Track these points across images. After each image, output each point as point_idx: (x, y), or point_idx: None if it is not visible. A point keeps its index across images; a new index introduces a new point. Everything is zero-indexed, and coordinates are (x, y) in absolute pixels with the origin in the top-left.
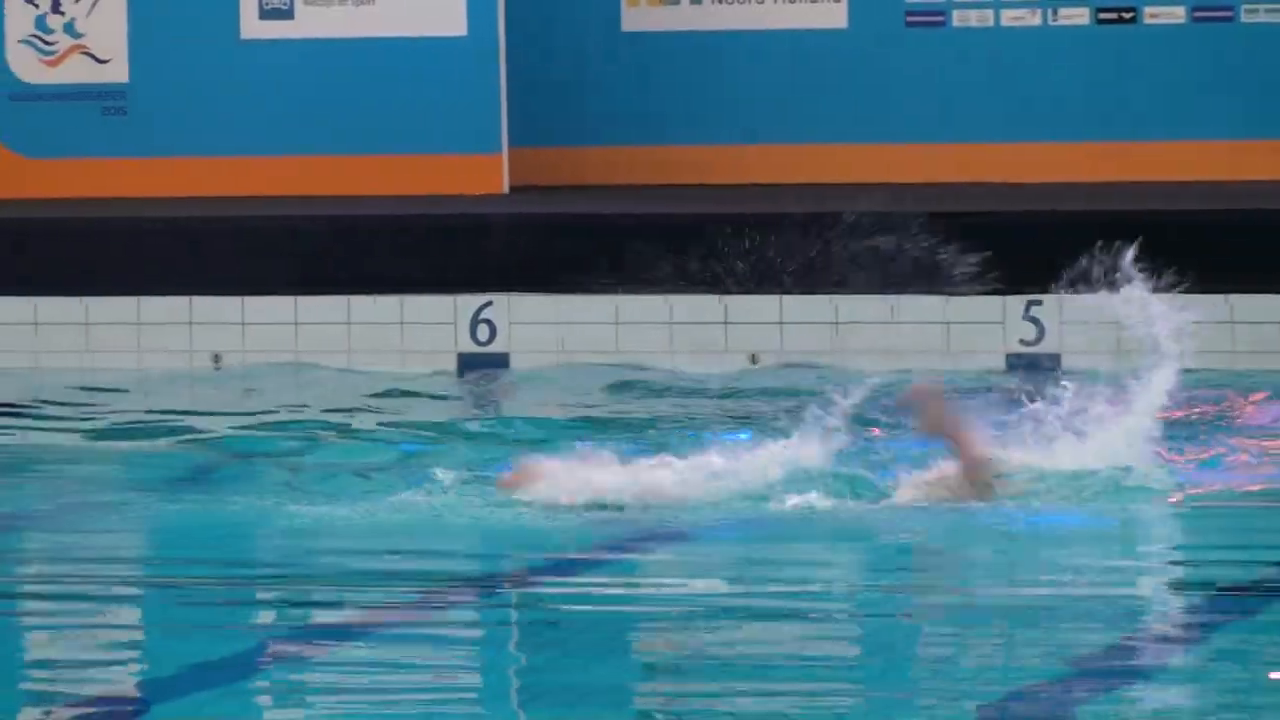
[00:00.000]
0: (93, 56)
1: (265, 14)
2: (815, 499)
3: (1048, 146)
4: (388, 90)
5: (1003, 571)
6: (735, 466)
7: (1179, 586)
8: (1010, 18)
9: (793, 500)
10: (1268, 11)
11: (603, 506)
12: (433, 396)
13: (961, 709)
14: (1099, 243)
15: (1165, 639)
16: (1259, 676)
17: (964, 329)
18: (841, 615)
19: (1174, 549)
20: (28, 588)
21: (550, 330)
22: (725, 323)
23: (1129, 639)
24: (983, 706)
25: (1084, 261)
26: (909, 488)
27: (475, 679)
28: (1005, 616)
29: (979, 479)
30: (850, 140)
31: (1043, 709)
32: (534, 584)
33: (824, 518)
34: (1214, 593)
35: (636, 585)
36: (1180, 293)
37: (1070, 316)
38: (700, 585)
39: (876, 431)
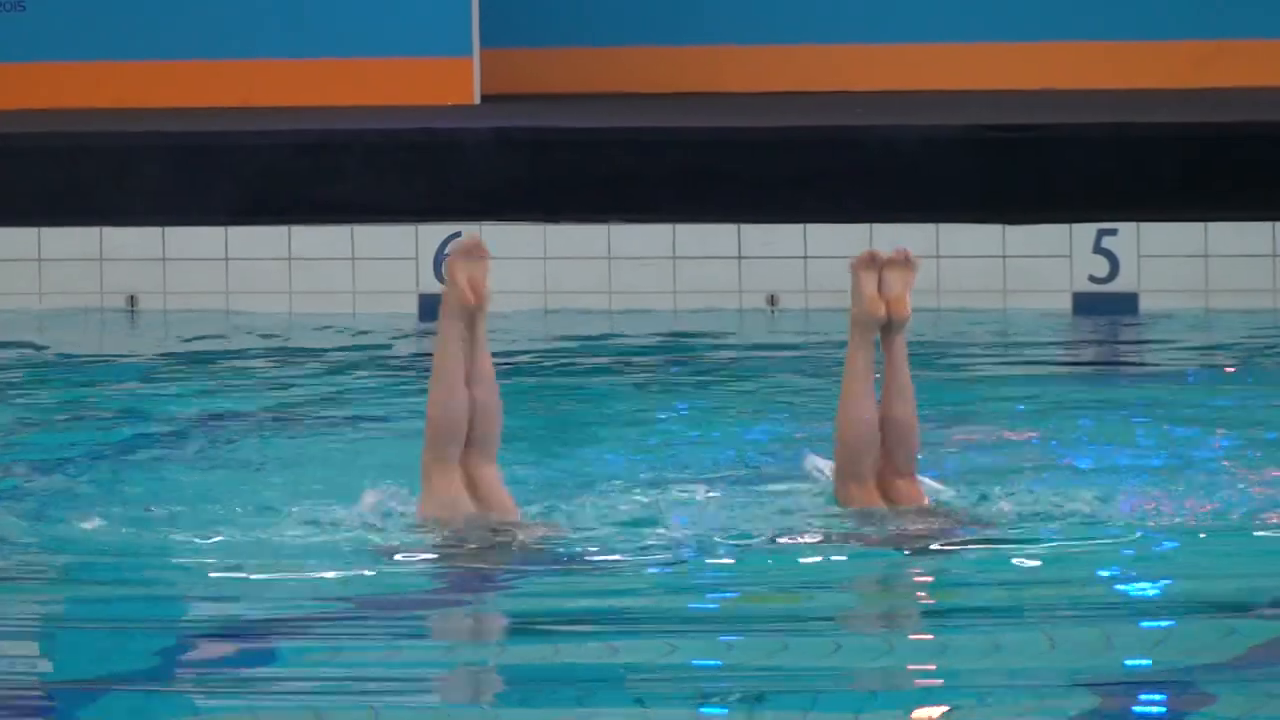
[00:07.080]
0: None
1: None
2: None
3: (1120, 46)
4: None
5: None
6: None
7: None
8: None
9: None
10: None
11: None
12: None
13: None
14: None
15: None
16: None
17: (1024, 263)
18: None
19: None
20: None
21: (530, 267)
22: (739, 257)
23: None
24: None
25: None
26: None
27: None
28: None
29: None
30: (870, 41)
31: None
32: None
33: None
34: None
35: None
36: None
37: (1151, 249)
38: None
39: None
